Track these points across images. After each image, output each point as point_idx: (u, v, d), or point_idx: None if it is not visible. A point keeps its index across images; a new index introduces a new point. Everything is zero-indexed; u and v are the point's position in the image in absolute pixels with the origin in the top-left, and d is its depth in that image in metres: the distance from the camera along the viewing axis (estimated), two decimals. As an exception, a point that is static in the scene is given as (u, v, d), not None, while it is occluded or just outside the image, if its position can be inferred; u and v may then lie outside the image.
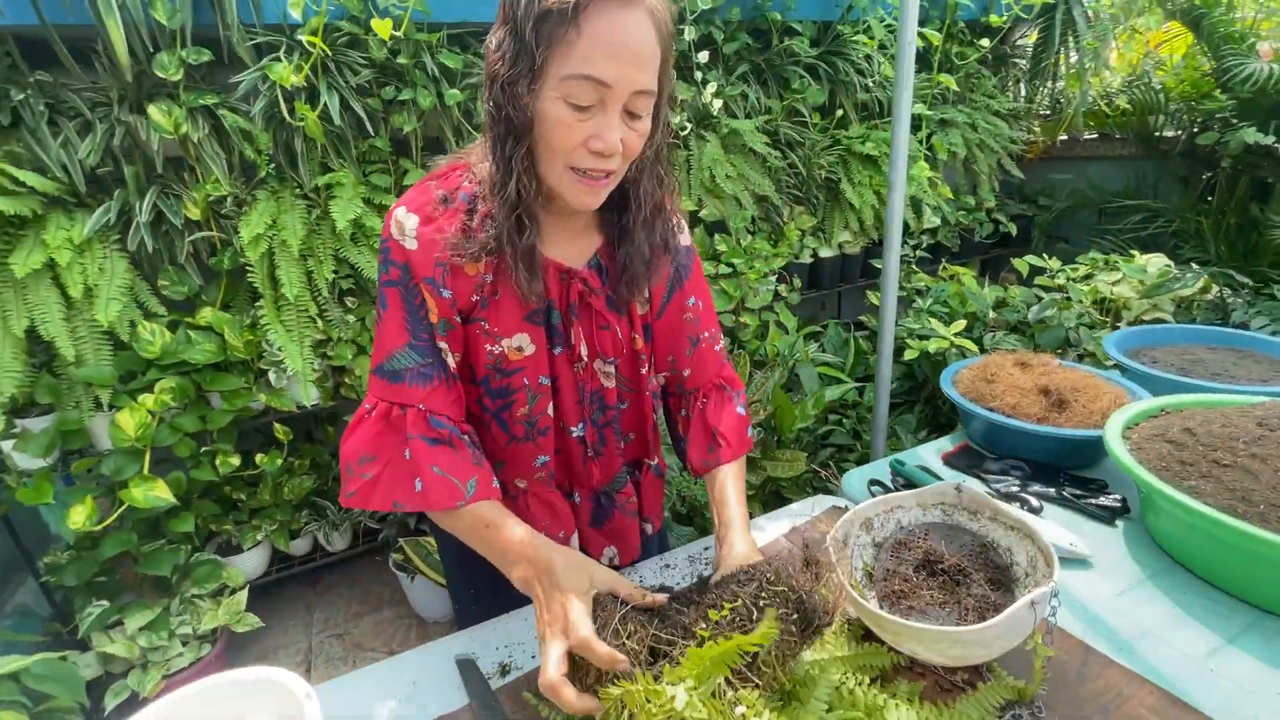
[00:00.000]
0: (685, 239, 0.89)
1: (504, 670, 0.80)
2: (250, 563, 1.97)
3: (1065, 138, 3.24)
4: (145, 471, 1.62)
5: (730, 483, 0.87)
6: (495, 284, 0.77)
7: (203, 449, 1.77)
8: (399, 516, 2.15)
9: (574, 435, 0.87)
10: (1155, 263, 2.22)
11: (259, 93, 1.65)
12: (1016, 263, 2.40)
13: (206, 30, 1.61)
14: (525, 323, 0.79)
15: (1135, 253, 2.25)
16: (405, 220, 0.74)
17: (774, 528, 1.04)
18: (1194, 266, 2.06)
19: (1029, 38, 3.09)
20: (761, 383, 2.16)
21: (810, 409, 2.04)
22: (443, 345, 0.76)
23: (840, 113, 2.42)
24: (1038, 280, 2.27)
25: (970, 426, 1.22)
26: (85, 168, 1.57)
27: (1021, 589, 0.74)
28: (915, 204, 2.63)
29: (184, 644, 1.67)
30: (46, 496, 1.55)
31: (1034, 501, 1.00)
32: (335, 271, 1.77)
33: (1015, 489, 1.04)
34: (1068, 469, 1.09)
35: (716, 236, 2.41)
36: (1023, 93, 3.00)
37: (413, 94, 1.76)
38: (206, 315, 1.72)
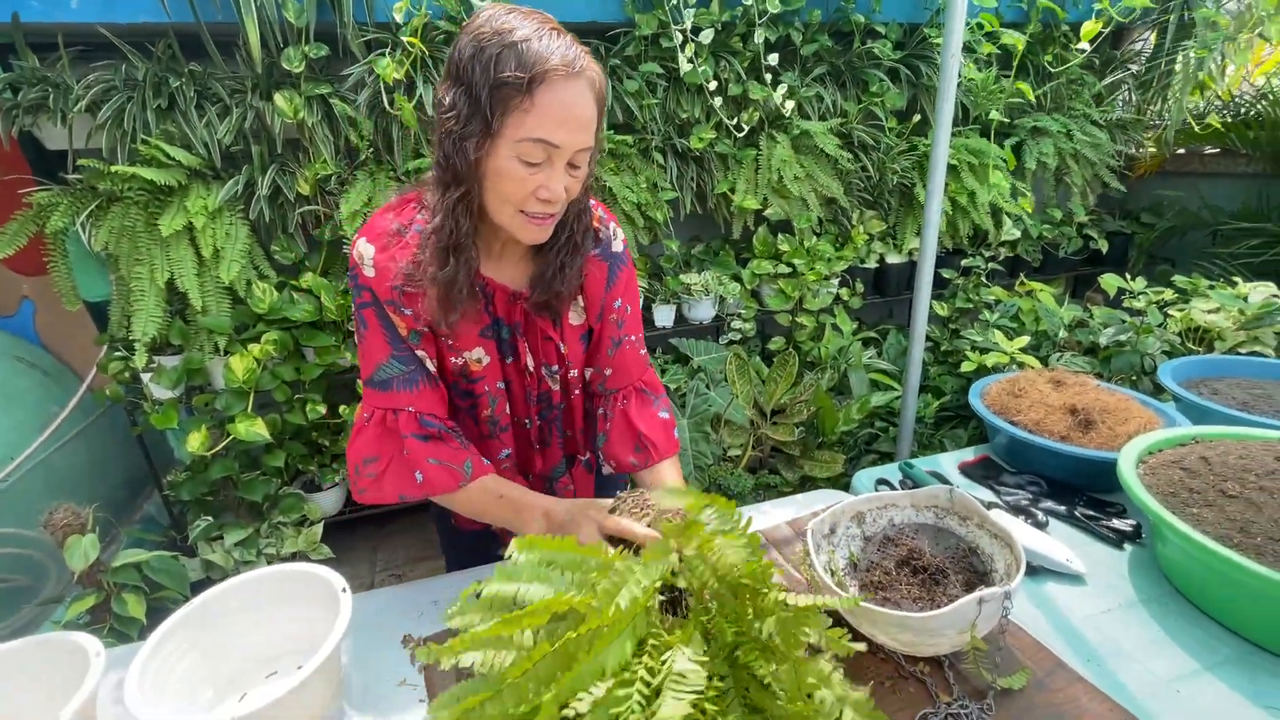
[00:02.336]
0: (618, 245, 0.94)
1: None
2: (327, 500, 2.22)
3: (1182, 151, 2.97)
4: (249, 410, 1.88)
5: (669, 475, 0.94)
6: None
7: (296, 396, 2.02)
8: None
9: (526, 428, 0.98)
10: (1262, 291, 2.03)
11: (365, 84, 1.85)
12: (1103, 281, 2.26)
13: (326, 27, 1.82)
14: (480, 338, 0.88)
15: (1239, 280, 2.07)
16: (365, 250, 0.82)
17: (778, 514, 1.10)
18: (1310, 299, 1.88)
19: (1150, 42, 2.86)
20: (810, 384, 2.18)
21: (855, 413, 2.05)
22: (420, 353, 0.85)
23: (919, 118, 2.37)
24: (1125, 302, 2.14)
25: (994, 440, 1.22)
26: (221, 146, 1.83)
27: (990, 591, 0.77)
28: (995, 214, 2.53)
29: (268, 562, 1.92)
30: (172, 422, 1.85)
31: (1041, 516, 1.00)
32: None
33: (1025, 503, 1.04)
34: (1087, 491, 1.07)
35: (780, 236, 2.42)
36: (1133, 102, 2.79)
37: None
38: (308, 279, 1.96)
